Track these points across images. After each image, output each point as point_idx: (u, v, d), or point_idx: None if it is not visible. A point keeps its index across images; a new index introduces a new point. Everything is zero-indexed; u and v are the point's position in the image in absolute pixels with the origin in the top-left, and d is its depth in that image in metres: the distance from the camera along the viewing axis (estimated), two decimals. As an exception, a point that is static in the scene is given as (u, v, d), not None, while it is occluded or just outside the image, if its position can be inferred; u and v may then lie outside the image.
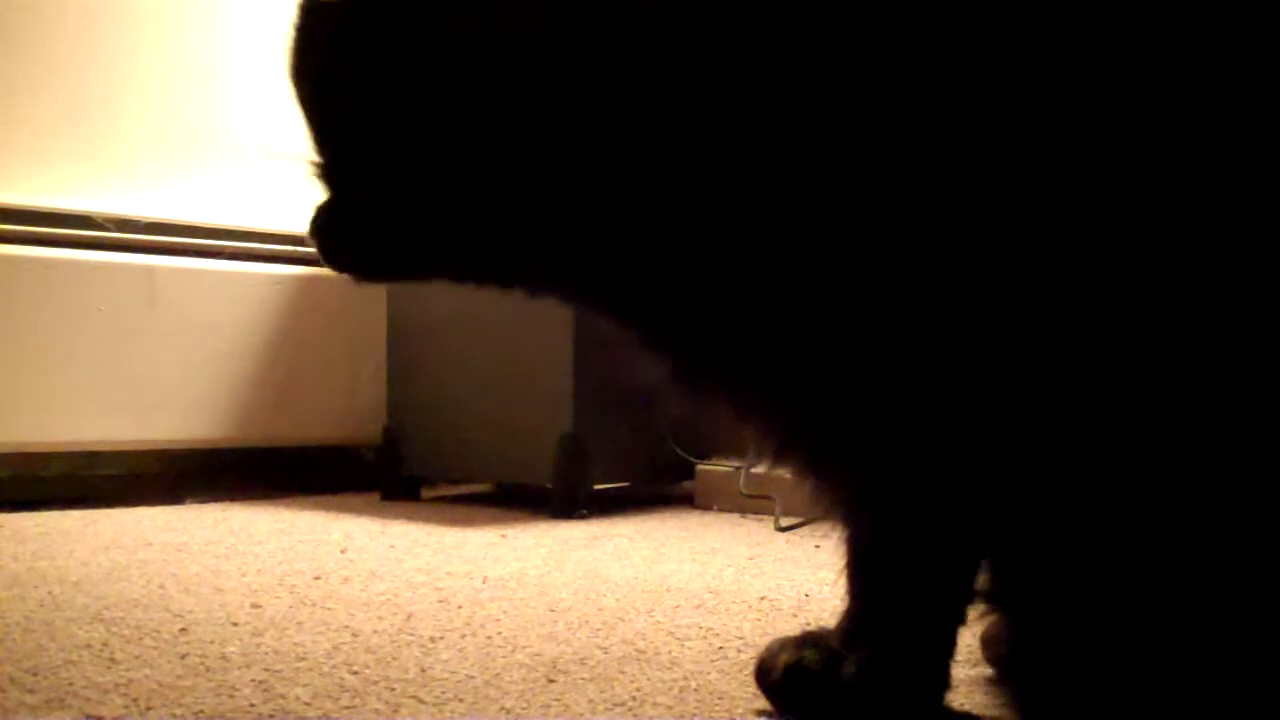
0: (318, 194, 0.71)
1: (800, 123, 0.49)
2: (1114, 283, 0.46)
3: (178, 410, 1.94)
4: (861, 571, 0.71)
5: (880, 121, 0.48)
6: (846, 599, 0.74)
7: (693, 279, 0.54)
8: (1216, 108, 0.45)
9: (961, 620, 0.70)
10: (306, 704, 0.76)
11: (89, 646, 0.90)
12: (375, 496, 1.97)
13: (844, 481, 0.59)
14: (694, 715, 0.75)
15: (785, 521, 1.62)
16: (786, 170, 0.50)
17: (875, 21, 0.48)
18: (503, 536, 1.53)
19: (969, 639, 0.73)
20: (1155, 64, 0.45)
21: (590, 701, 0.78)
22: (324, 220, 0.68)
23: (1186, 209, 0.45)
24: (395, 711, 0.75)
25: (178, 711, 0.74)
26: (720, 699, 0.79)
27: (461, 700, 0.78)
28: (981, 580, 0.64)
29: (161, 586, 1.15)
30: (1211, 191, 0.45)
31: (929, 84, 0.48)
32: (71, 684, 0.80)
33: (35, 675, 0.82)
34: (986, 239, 0.47)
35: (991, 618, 0.73)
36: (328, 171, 0.67)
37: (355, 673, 0.84)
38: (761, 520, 1.71)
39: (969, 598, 0.68)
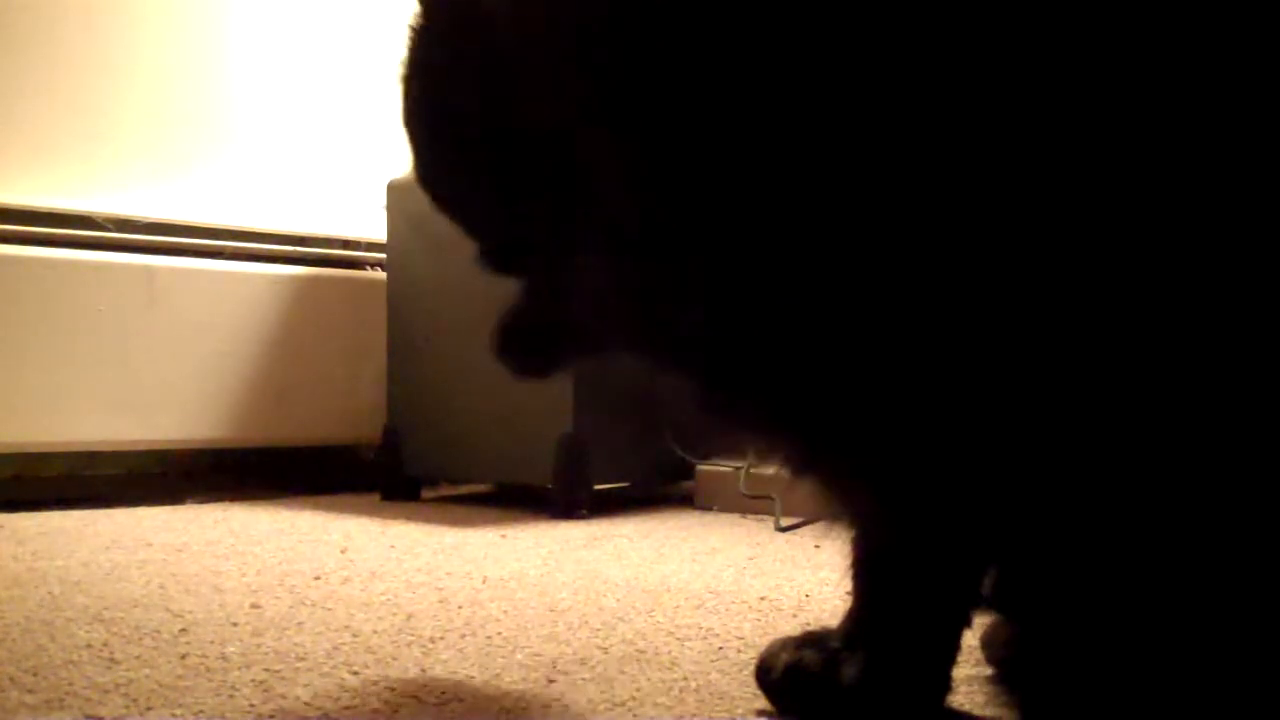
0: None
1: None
2: (1111, 294, 0.46)
3: (178, 410, 1.94)
4: (866, 571, 0.71)
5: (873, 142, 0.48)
6: (851, 598, 0.74)
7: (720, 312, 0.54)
8: (1218, 108, 0.45)
9: (966, 623, 0.70)
10: (306, 704, 0.76)
11: (89, 646, 0.90)
12: (375, 496, 1.97)
13: (849, 487, 0.60)
14: (694, 715, 0.75)
15: (785, 521, 1.62)
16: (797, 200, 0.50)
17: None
18: (503, 537, 1.53)
19: (969, 639, 0.73)
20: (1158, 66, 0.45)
21: (590, 701, 0.78)
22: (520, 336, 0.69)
23: (1189, 218, 0.45)
24: (395, 711, 0.75)
25: (178, 711, 0.74)
26: (720, 699, 0.78)
27: (461, 700, 0.78)
28: (986, 584, 0.64)
29: (161, 586, 1.15)
30: (1213, 193, 0.45)
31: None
32: (71, 684, 0.80)
33: (35, 675, 0.82)
34: (989, 252, 0.47)
35: (992, 618, 0.73)
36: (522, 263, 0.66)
37: (355, 673, 0.84)
38: (761, 520, 1.71)
39: (974, 601, 0.68)
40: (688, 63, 0.51)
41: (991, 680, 0.78)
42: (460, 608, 1.07)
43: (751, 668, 0.78)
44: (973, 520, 0.54)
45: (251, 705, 0.76)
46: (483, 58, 0.62)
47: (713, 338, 0.55)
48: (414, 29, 0.66)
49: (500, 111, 0.62)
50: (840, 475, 0.58)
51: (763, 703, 0.76)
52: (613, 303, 0.60)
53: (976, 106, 0.46)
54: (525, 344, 0.73)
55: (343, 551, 1.39)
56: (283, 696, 0.78)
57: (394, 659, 0.88)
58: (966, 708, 0.75)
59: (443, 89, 0.67)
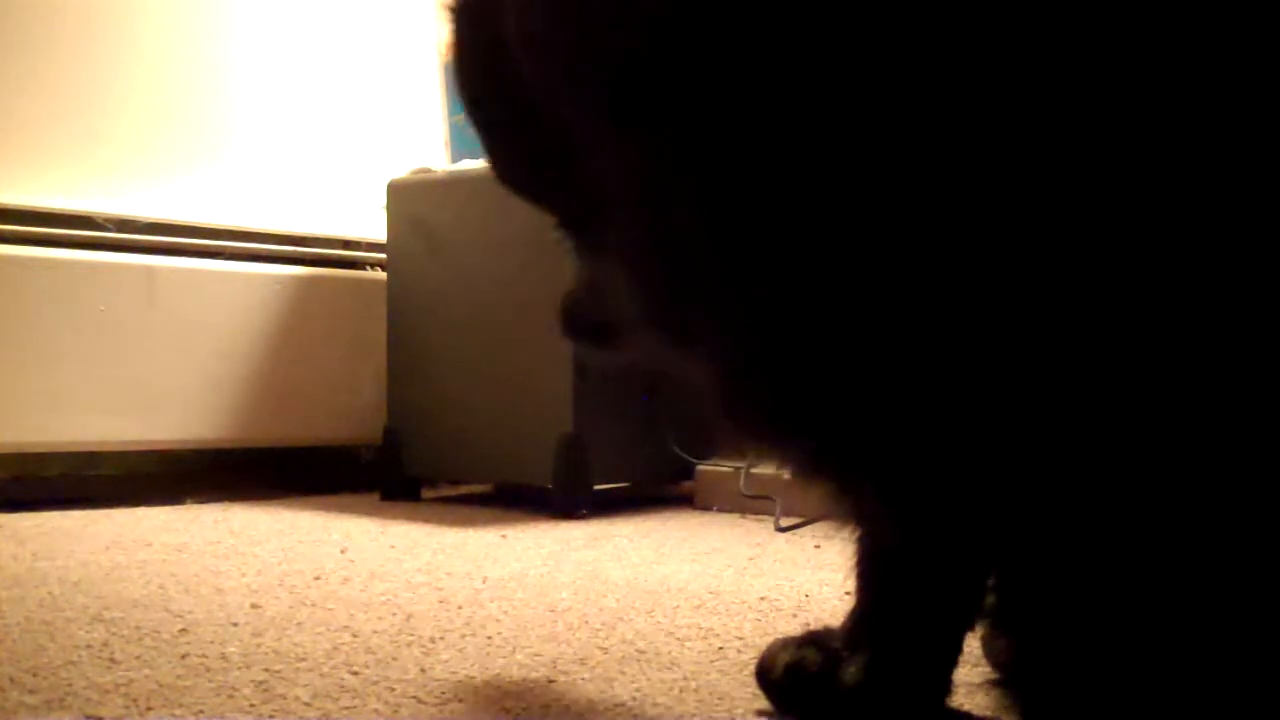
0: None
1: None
2: (1112, 308, 0.46)
3: (178, 410, 1.94)
4: (870, 572, 0.71)
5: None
6: (852, 598, 0.74)
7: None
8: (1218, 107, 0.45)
9: (970, 626, 0.70)
10: (306, 704, 0.76)
11: (89, 646, 0.90)
12: (375, 496, 1.97)
13: (856, 492, 0.59)
14: (694, 715, 0.75)
15: (785, 521, 1.62)
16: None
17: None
18: (503, 537, 1.53)
19: (970, 640, 0.73)
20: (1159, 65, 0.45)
21: (590, 701, 0.78)
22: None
23: (1189, 216, 0.45)
24: (395, 711, 0.75)
25: (178, 711, 0.74)
26: (720, 699, 0.78)
27: (461, 700, 0.78)
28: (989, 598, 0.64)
29: (161, 587, 1.15)
30: (1213, 192, 0.45)
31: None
32: (71, 684, 0.80)
33: (35, 675, 0.82)
34: (999, 265, 0.47)
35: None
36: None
37: (355, 673, 0.84)
38: (761, 520, 1.71)
39: (978, 604, 0.67)
40: (688, 63, 0.51)
41: (993, 683, 0.78)
42: (460, 608, 1.07)
43: (751, 668, 0.78)
44: (976, 526, 0.54)
45: (251, 705, 0.76)
46: (497, 49, 0.63)
47: (727, 339, 0.55)
48: (451, 9, 0.67)
49: (519, 101, 0.62)
50: (848, 480, 0.58)
51: (763, 703, 0.76)
52: (632, 292, 0.60)
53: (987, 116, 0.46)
54: (581, 326, 0.72)
55: (343, 551, 1.39)
56: (283, 696, 0.78)
57: (394, 659, 0.88)
58: (968, 709, 0.75)
59: (469, 71, 0.67)
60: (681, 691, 0.80)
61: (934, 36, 0.47)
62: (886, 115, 0.48)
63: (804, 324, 0.52)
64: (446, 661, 0.87)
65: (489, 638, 0.95)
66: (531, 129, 0.63)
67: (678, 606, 1.08)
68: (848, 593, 0.74)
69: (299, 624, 0.99)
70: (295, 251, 2.12)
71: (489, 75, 0.65)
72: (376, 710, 0.75)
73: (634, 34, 0.53)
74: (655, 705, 0.77)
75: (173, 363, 1.94)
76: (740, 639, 0.95)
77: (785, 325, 0.52)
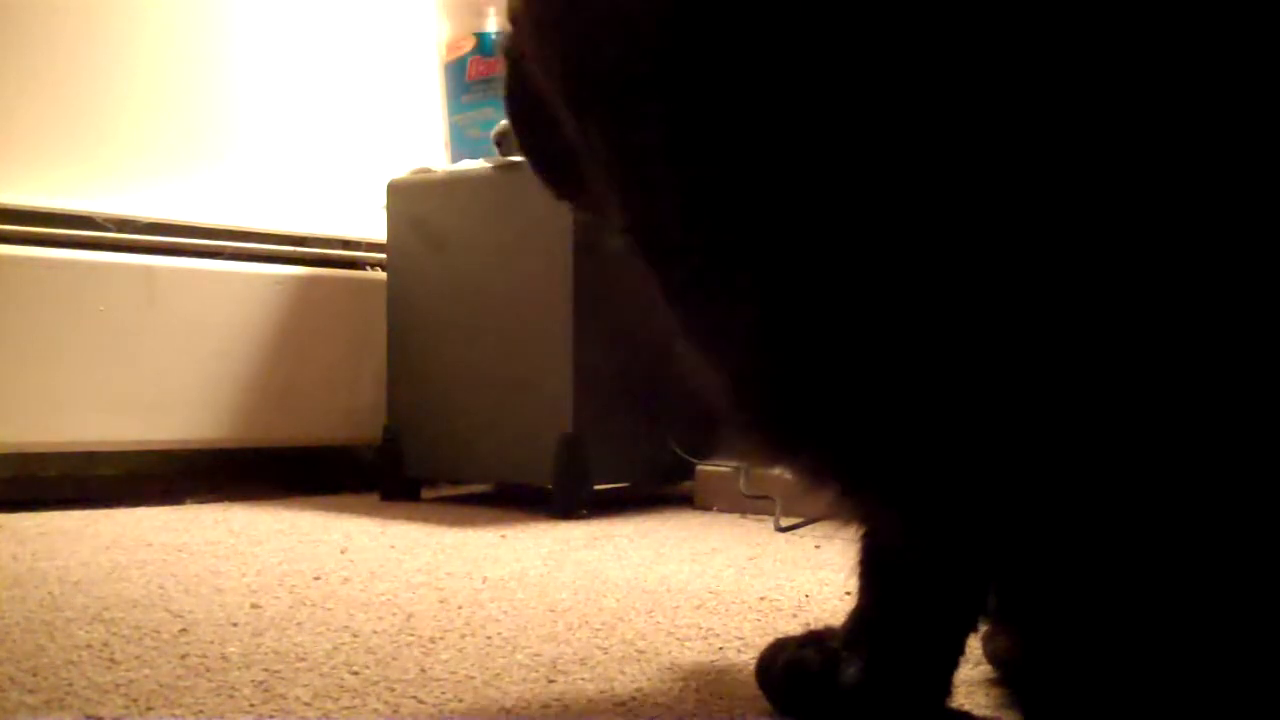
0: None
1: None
2: (1112, 312, 0.46)
3: (177, 410, 1.94)
4: (872, 572, 0.71)
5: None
6: (852, 598, 0.74)
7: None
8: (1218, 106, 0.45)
9: (972, 627, 0.70)
10: (306, 704, 0.76)
11: (89, 646, 0.90)
12: (375, 496, 1.96)
13: (856, 494, 0.60)
14: (694, 715, 0.75)
15: (785, 521, 1.62)
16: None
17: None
18: (503, 537, 1.53)
19: (970, 639, 0.73)
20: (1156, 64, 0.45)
21: (590, 701, 0.78)
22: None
23: (1188, 217, 0.45)
24: (395, 711, 0.75)
25: (178, 711, 0.74)
26: (720, 699, 0.79)
27: (461, 700, 0.78)
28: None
29: (161, 587, 1.15)
30: (1212, 192, 0.45)
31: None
32: (71, 684, 0.80)
33: (35, 675, 0.82)
34: (1004, 273, 0.47)
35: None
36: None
37: (355, 673, 0.84)
38: (761, 520, 1.71)
39: (981, 605, 0.67)
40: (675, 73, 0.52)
41: (993, 682, 0.78)
42: (460, 608, 1.07)
43: (751, 668, 0.78)
44: (978, 527, 0.54)
45: (251, 705, 0.76)
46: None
47: (733, 345, 0.55)
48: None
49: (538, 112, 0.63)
50: (850, 485, 0.58)
51: (763, 703, 0.76)
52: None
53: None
54: None
55: (343, 551, 1.39)
56: (283, 696, 0.78)
57: (394, 659, 0.88)
58: (968, 708, 0.75)
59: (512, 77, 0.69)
60: (681, 691, 0.80)
61: (926, 40, 0.47)
62: (890, 120, 0.48)
63: (806, 331, 0.52)
64: (446, 661, 0.87)
65: (489, 638, 0.95)
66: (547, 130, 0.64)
67: (678, 606, 1.08)
68: (848, 593, 0.74)
69: (299, 624, 0.99)
70: (295, 251, 2.12)
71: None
72: (376, 710, 0.75)
73: (628, 38, 0.53)
74: (655, 705, 0.77)
75: (173, 363, 1.94)
76: (740, 639, 0.95)
77: (789, 332, 0.52)
